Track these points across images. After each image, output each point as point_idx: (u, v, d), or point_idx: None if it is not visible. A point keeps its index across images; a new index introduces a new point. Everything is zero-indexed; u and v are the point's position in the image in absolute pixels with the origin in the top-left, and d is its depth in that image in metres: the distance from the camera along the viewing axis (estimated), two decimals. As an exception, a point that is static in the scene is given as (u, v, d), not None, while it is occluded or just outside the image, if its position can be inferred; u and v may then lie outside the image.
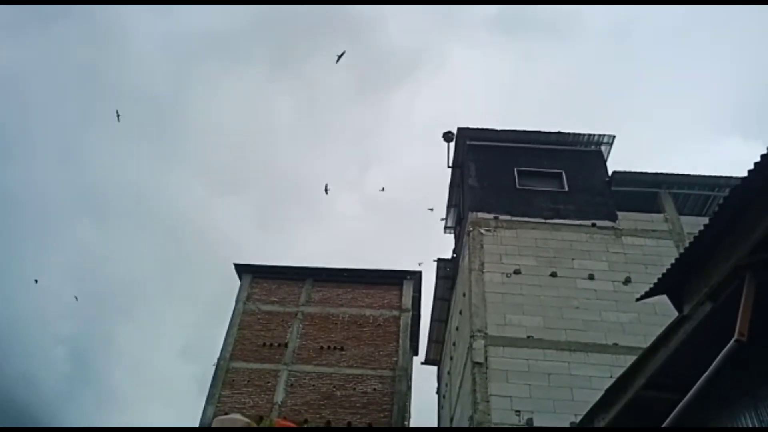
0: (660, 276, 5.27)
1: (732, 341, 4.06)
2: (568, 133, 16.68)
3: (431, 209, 19.85)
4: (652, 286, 5.43)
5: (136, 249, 64.59)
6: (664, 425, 4.52)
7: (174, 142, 65.94)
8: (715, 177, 15.51)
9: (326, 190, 24.39)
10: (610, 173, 15.85)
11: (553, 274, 13.46)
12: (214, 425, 15.56)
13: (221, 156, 64.96)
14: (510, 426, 11.02)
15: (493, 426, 10.97)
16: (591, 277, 13.37)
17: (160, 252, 65.19)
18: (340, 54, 20.27)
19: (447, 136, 17.47)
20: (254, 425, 14.65)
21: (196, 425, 16.68)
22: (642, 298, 5.26)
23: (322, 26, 63.85)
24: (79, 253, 61.65)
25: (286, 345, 18.16)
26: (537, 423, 11.15)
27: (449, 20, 64.55)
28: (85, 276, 59.73)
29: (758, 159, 3.91)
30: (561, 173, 15.91)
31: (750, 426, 4.55)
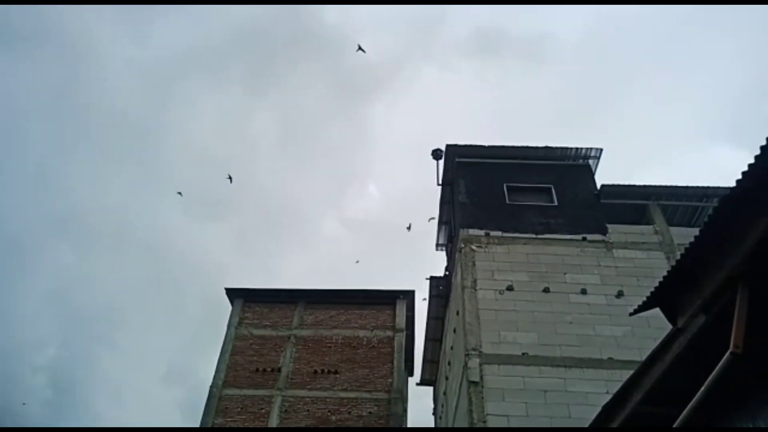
0: (653, 289, 5.21)
1: (727, 354, 3.99)
2: (556, 148, 16.76)
3: (408, 229, 20.37)
4: (645, 298, 5.36)
5: (119, 274, 63.86)
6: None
7: (154, 164, 65.39)
8: (703, 187, 15.58)
9: (230, 179, 23.52)
10: (598, 186, 15.89)
11: (546, 290, 13.40)
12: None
13: (203, 178, 64.55)
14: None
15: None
16: (584, 292, 13.32)
17: (142, 277, 64.45)
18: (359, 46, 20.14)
19: (436, 154, 17.50)
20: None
21: (189, 455, 16.32)
22: (635, 312, 5.20)
23: (296, 43, 64.28)
24: (58, 279, 60.88)
25: (279, 370, 17.89)
26: (535, 442, 11.00)
27: (421, 44, 65.14)
28: (65, 301, 58.95)
29: (746, 168, 3.89)
30: (550, 188, 15.94)
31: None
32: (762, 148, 3.53)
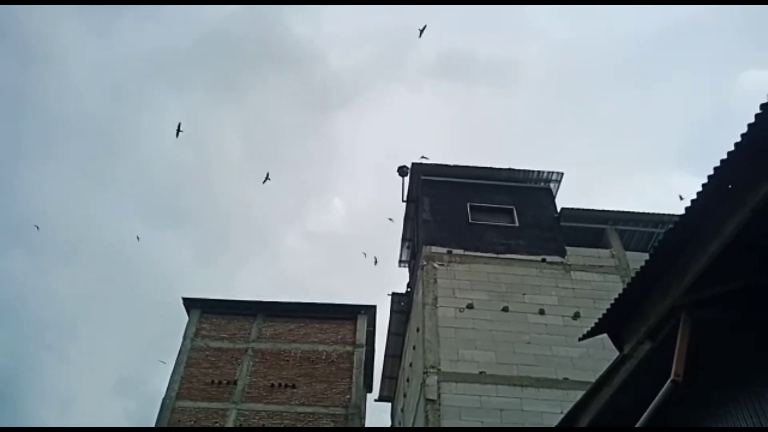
0: (603, 314, 5.35)
1: (669, 381, 4.12)
2: (518, 170, 17.06)
3: (374, 259, 19.72)
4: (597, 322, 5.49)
5: (72, 280, 61.77)
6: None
7: (113, 169, 63.53)
8: (659, 214, 16.05)
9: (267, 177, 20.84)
10: (558, 209, 16.23)
11: (505, 309, 13.55)
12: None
13: (161, 186, 62.91)
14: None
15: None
16: (541, 312, 13.51)
17: (97, 284, 62.44)
18: (422, 29, 18.97)
19: (402, 171, 17.63)
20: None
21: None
22: (585, 337, 5.33)
23: (264, 53, 63.94)
24: (8, 286, 58.58)
25: (235, 383, 17.58)
26: (489, 461, 11.07)
27: (389, 63, 65.64)
28: (14, 309, 56.76)
29: (694, 197, 4.04)
30: (512, 209, 16.21)
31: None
32: (703, 185, 3.69)
